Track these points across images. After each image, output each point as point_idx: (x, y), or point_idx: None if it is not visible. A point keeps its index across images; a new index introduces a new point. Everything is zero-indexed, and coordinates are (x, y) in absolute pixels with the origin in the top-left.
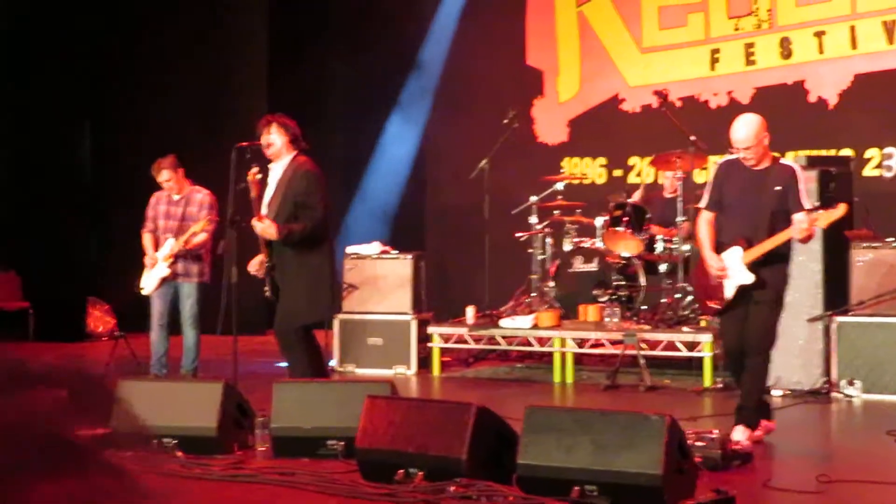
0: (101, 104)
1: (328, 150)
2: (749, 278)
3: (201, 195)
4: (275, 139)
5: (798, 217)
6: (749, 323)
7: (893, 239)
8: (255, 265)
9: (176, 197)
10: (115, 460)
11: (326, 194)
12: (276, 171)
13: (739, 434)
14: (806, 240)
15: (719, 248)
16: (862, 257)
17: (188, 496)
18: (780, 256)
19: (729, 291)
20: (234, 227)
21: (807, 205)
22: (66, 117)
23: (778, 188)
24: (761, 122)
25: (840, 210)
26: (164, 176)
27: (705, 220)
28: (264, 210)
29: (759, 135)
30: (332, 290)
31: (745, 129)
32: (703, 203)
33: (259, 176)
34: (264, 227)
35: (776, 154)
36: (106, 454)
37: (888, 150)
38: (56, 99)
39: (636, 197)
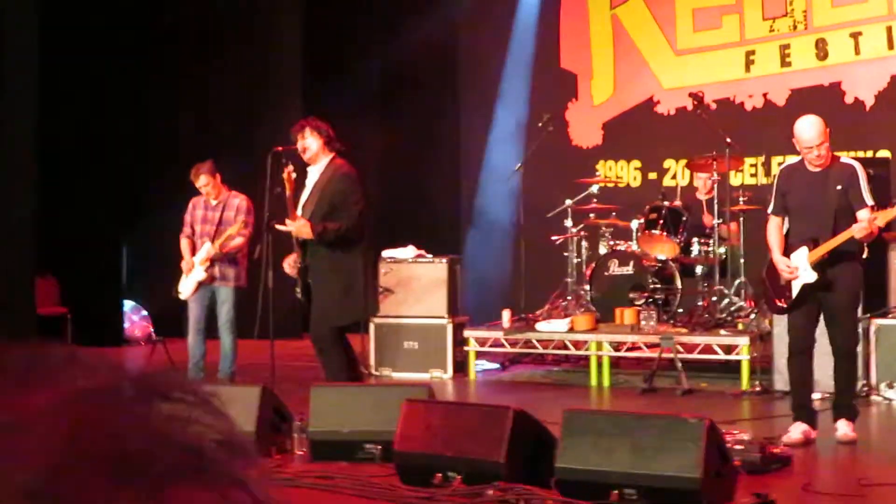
0: (139, 110)
1: (365, 157)
2: (812, 277)
3: (238, 200)
4: (310, 143)
5: (860, 215)
6: (833, 330)
7: None
8: (290, 264)
9: (213, 202)
10: (244, 472)
11: (363, 196)
12: (314, 175)
13: (843, 426)
14: (867, 238)
15: (788, 249)
16: None
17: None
18: (849, 255)
19: (795, 290)
20: (270, 232)
21: (869, 200)
22: (103, 123)
23: (839, 187)
24: (824, 122)
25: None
26: (203, 181)
27: (774, 224)
28: (299, 211)
29: (826, 132)
30: (366, 292)
31: (814, 128)
32: (770, 209)
33: (294, 175)
34: (299, 227)
35: (836, 153)
36: (232, 465)
37: None
38: (93, 105)
39: (677, 201)
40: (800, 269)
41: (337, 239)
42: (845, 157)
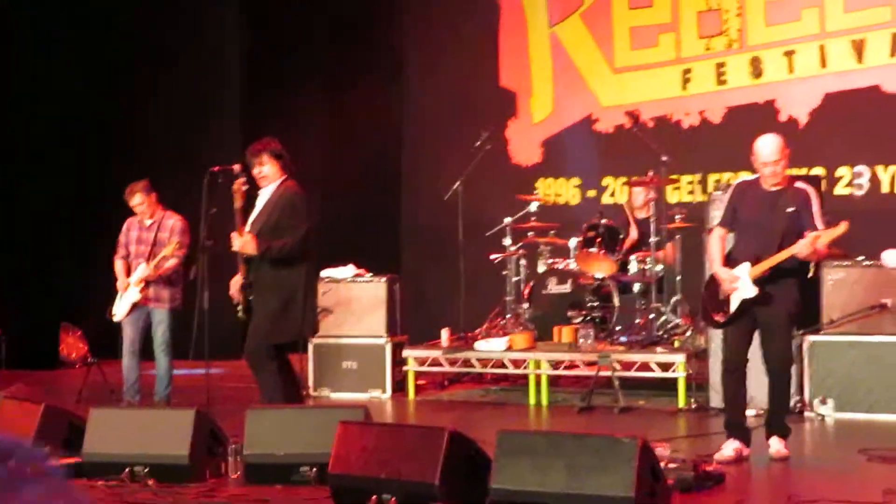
0: (80, 130)
1: (306, 173)
2: (752, 292)
3: (173, 220)
4: (268, 171)
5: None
6: (768, 347)
7: (864, 257)
8: (235, 287)
9: (148, 222)
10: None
11: (310, 217)
12: (265, 195)
13: (776, 444)
14: (812, 257)
15: (730, 264)
16: (833, 276)
17: None
18: (790, 273)
19: (734, 305)
20: (206, 253)
21: (821, 226)
22: (44, 144)
23: (791, 209)
24: (784, 142)
25: (842, 227)
26: (137, 199)
27: (717, 235)
28: (247, 227)
29: (784, 150)
30: (307, 311)
31: (772, 145)
32: (718, 220)
33: (246, 187)
34: (244, 242)
35: (792, 174)
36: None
37: (858, 168)
38: (24, 126)
39: (632, 221)
40: (740, 283)
41: (281, 256)
42: (801, 183)
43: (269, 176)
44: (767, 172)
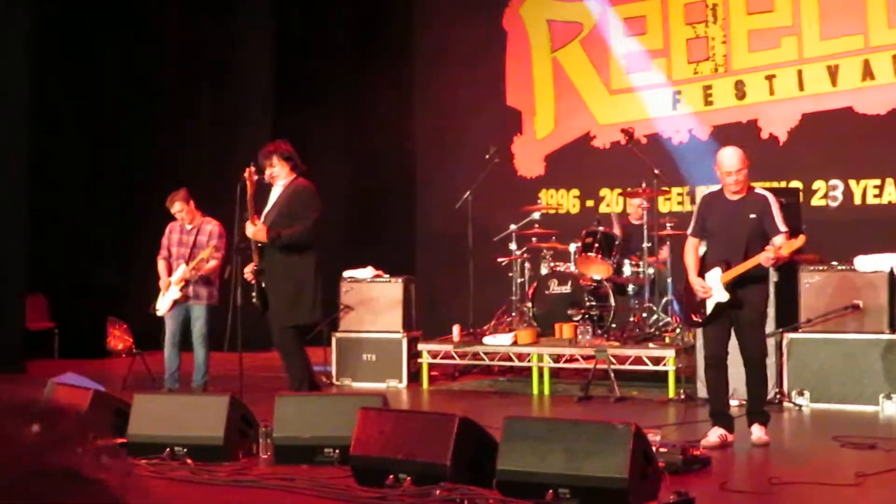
0: (124, 140)
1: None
2: (725, 297)
3: (211, 226)
4: (278, 172)
5: (775, 240)
6: (744, 343)
7: (838, 263)
8: (249, 270)
9: (188, 227)
10: (99, 483)
11: (318, 208)
12: (277, 190)
13: (757, 431)
14: (774, 264)
15: (703, 269)
16: (810, 280)
17: (196, 500)
18: (757, 278)
19: (709, 308)
20: (239, 254)
21: (782, 227)
22: (91, 152)
23: (753, 216)
24: (744, 152)
25: (800, 240)
26: (177, 207)
27: (691, 245)
28: (261, 219)
29: (744, 161)
30: (317, 294)
31: (735, 155)
32: (689, 230)
33: (256, 177)
34: (256, 230)
35: (752, 184)
36: (89, 469)
37: (833, 182)
38: (79, 133)
39: (615, 228)
40: (713, 288)
41: (290, 243)
42: (759, 189)
43: (280, 176)
44: (730, 181)
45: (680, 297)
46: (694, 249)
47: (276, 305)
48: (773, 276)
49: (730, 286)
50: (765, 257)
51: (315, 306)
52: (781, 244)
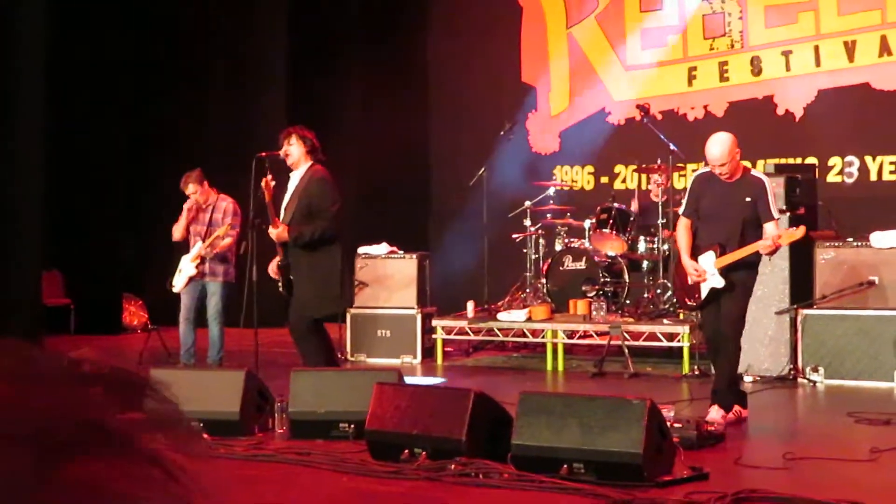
0: (139, 117)
1: (344, 161)
2: (720, 283)
3: (226, 203)
4: (293, 150)
5: (768, 229)
6: (721, 313)
7: (853, 239)
8: (273, 268)
9: (204, 206)
10: (155, 448)
11: (337, 200)
12: (294, 179)
13: (714, 413)
14: (771, 254)
15: (696, 251)
16: (825, 255)
17: (213, 475)
18: (749, 263)
19: (703, 292)
20: (255, 230)
21: (775, 213)
22: (107, 131)
23: (748, 199)
24: (733, 140)
25: (800, 231)
26: (191, 189)
27: (683, 225)
28: (281, 214)
29: (732, 151)
30: (343, 286)
31: (720, 148)
32: (681, 210)
33: (273, 183)
34: (279, 233)
35: (747, 165)
36: (145, 441)
37: (849, 158)
38: (95, 112)
39: (634, 205)
40: (707, 272)
41: (313, 240)
42: (755, 172)
43: (294, 155)
44: (717, 173)
45: (672, 279)
46: (687, 230)
47: (302, 298)
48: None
49: (723, 271)
50: (763, 245)
51: (341, 297)
52: (781, 234)
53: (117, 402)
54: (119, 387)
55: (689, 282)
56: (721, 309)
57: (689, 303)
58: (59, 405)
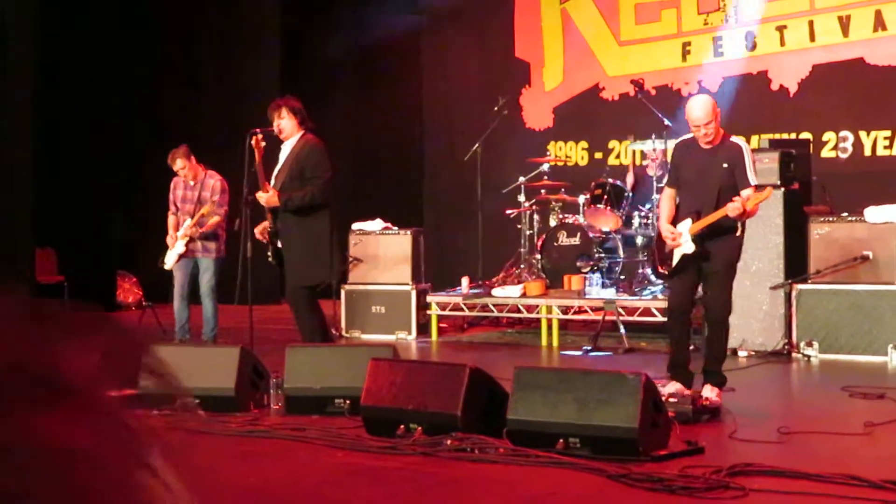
0: (131, 93)
1: (338, 138)
2: (691, 248)
3: (213, 180)
4: (285, 124)
5: (743, 194)
6: (708, 297)
7: (848, 214)
8: (260, 230)
9: (192, 182)
10: (114, 401)
11: (328, 166)
12: (286, 149)
13: (708, 391)
14: (741, 217)
15: (676, 220)
16: (819, 230)
17: (209, 451)
18: (727, 229)
19: (676, 258)
20: (248, 206)
21: (753, 180)
22: (97, 106)
23: (725, 165)
24: (712, 101)
25: (767, 192)
26: (179, 165)
27: (667, 195)
28: (272, 181)
29: (714, 111)
30: (333, 253)
31: (702, 108)
32: (665, 181)
33: (264, 143)
34: (268, 198)
35: (727, 132)
36: (127, 412)
37: (843, 133)
38: (87, 88)
39: (629, 180)
40: (682, 238)
41: (304, 205)
42: (735, 138)
43: (287, 129)
44: (699, 134)
45: (651, 250)
46: (670, 199)
47: (291, 265)
48: (780, 228)
49: (697, 238)
50: (732, 207)
51: (331, 266)
52: (748, 196)
53: (111, 373)
54: (115, 357)
55: (666, 249)
56: (706, 291)
57: (661, 270)
58: (8, 359)
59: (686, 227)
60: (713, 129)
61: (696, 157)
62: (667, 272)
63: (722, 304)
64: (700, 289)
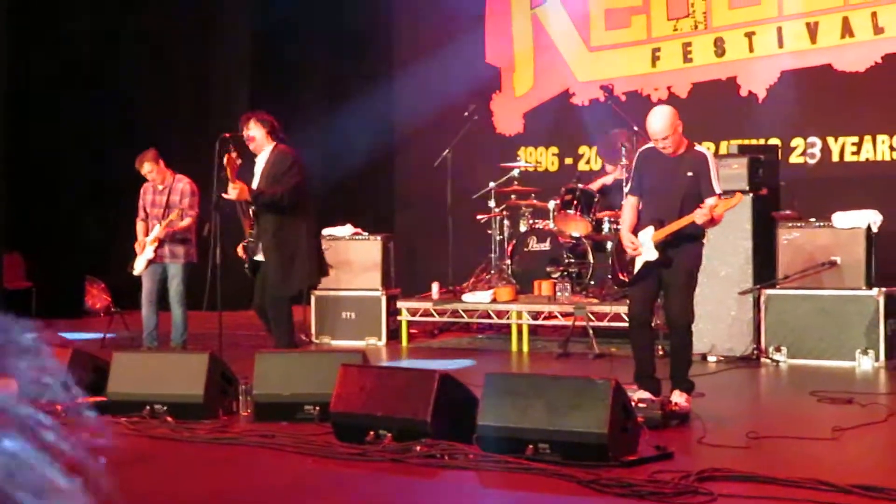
0: (99, 98)
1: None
2: (653, 255)
3: (182, 184)
4: (254, 133)
5: (708, 202)
6: (669, 305)
7: (816, 219)
8: (241, 248)
9: (160, 187)
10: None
11: (300, 172)
12: (260, 162)
13: (677, 397)
14: (708, 224)
15: (638, 228)
16: (788, 236)
17: (177, 458)
18: (689, 237)
19: (637, 266)
20: (219, 211)
21: (717, 189)
22: (67, 109)
23: (690, 174)
24: (674, 112)
25: (736, 199)
26: (147, 168)
27: (629, 204)
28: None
29: (674, 124)
30: (311, 264)
31: (661, 121)
32: (627, 189)
33: (240, 162)
34: (238, 190)
35: (691, 141)
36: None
37: (811, 139)
38: (55, 91)
39: (597, 184)
40: (643, 246)
41: (273, 202)
42: (699, 147)
43: (257, 139)
44: (660, 147)
45: (612, 258)
46: (632, 208)
47: (269, 277)
48: (748, 234)
49: (660, 245)
50: (700, 214)
51: (309, 274)
52: (716, 203)
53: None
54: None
55: (627, 257)
56: (667, 300)
57: (621, 277)
58: None
59: (648, 234)
60: (672, 143)
61: (661, 165)
62: (627, 279)
63: (683, 313)
64: (661, 298)
